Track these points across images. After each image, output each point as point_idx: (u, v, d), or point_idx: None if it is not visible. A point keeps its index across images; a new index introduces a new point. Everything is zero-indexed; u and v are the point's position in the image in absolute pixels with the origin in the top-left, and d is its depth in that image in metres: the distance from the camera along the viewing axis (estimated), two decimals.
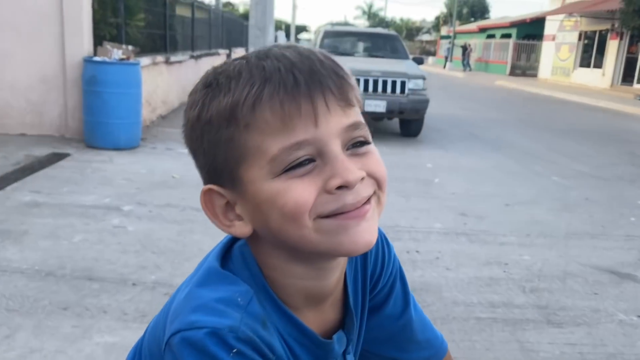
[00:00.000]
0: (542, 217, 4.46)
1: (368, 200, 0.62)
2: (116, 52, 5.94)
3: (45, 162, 5.13)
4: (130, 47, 6.35)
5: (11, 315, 2.46)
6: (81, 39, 6.04)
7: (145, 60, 6.89)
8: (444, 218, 4.28)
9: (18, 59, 6.07)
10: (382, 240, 0.81)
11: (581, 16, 23.52)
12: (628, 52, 21.36)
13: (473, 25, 41.75)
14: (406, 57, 8.92)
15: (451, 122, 9.93)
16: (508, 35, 32.66)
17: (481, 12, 54.34)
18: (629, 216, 4.63)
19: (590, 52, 23.74)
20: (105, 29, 6.46)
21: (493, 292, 3.02)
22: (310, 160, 0.58)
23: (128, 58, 6.05)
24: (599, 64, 22.81)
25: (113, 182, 4.68)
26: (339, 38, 9.75)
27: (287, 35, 45.53)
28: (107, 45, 6.07)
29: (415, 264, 3.34)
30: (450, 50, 35.64)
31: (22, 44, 6.03)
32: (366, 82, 7.56)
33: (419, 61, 8.96)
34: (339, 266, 0.69)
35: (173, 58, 8.72)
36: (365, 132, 0.63)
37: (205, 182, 0.64)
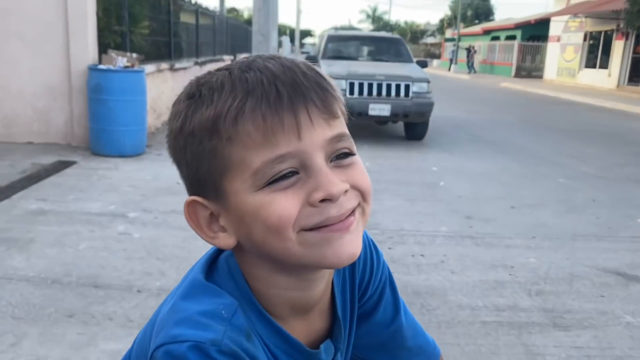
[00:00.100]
0: (548, 219, 4.44)
1: (352, 213, 0.61)
2: (121, 60, 5.97)
3: (52, 170, 5.16)
4: (134, 55, 6.39)
5: (17, 322, 2.47)
6: (86, 47, 6.08)
7: (149, 68, 6.93)
8: (450, 221, 4.27)
9: (24, 67, 6.12)
10: (371, 247, 0.81)
11: (586, 17, 23.45)
12: (634, 52, 21.26)
13: (477, 28, 41.73)
14: (410, 61, 8.92)
15: (456, 125, 9.91)
16: (513, 37, 32.61)
17: (485, 14, 54.29)
18: (636, 217, 4.60)
19: (596, 52, 23.65)
20: (109, 37, 6.50)
21: (499, 295, 3.00)
22: (294, 172, 0.58)
23: (133, 65, 6.08)
24: (604, 65, 22.71)
25: (118, 189, 4.70)
26: (343, 42, 9.76)
27: (292, 40, 45.67)
28: (112, 53, 6.11)
29: (420, 267, 3.33)
30: (455, 53, 35.61)
31: (28, 52, 6.09)
32: (370, 86, 7.56)
33: (423, 64, 8.95)
34: (325, 276, 0.69)
35: (178, 65, 8.76)
36: (350, 144, 0.63)
37: (189, 192, 0.65)
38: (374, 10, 69.54)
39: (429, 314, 2.74)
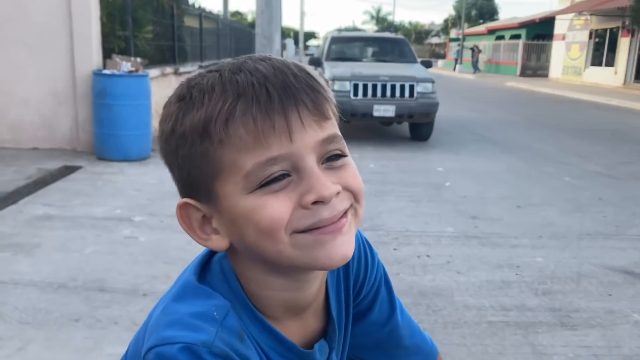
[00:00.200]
0: (555, 219, 4.41)
1: (345, 214, 0.61)
2: (125, 65, 6.00)
3: (57, 175, 5.18)
4: (139, 59, 6.41)
5: (24, 327, 2.48)
6: (90, 52, 6.12)
7: (154, 72, 6.96)
8: (455, 222, 4.25)
9: (29, 73, 6.16)
10: (365, 246, 0.80)
11: (591, 14, 23.34)
12: None
13: (482, 27, 41.61)
14: (414, 61, 8.90)
15: (462, 125, 9.89)
16: (517, 36, 32.50)
17: (490, 13, 54.17)
18: None
19: (602, 50, 23.53)
20: (114, 42, 6.53)
21: (505, 295, 2.99)
22: (286, 175, 0.58)
23: (137, 70, 6.11)
24: (610, 62, 22.59)
25: (124, 193, 4.72)
26: (347, 44, 9.76)
27: (296, 43, 45.75)
28: (116, 58, 6.13)
29: (426, 268, 3.32)
30: (459, 53, 35.54)
31: (33, 59, 6.12)
32: (374, 86, 7.55)
33: (428, 64, 8.93)
34: (318, 277, 0.69)
35: (182, 69, 8.79)
36: (341, 145, 0.62)
37: (182, 195, 0.64)
38: (378, 11, 69.49)
39: (435, 315, 2.73)
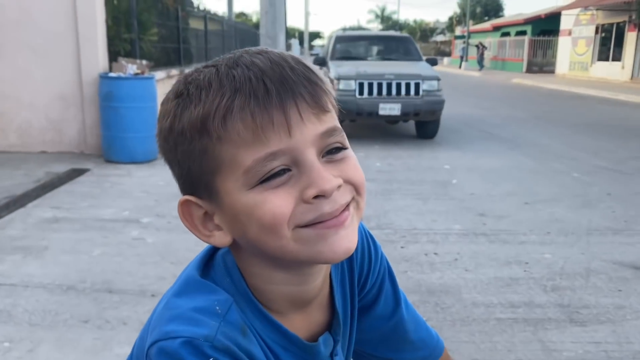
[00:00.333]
0: (563, 215, 4.39)
1: (347, 207, 0.61)
2: (131, 67, 6.02)
3: (65, 178, 5.22)
4: (144, 62, 6.44)
5: (34, 329, 2.50)
6: (96, 55, 6.15)
7: (160, 74, 6.98)
8: (463, 219, 4.24)
9: (36, 78, 6.20)
10: (368, 239, 0.80)
11: (597, 9, 23.19)
12: None
13: (487, 24, 41.48)
14: (419, 59, 8.88)
15: (468, 122, 9.86)
16: (523, 33, 32.35)
17: (495, 10, 53.99)
18: None
19: (608, 45, 23.37)
20: (119, 45, 6.57)
21: (513, 292, 2.98)
22: (286, 170, 0.58)
23: (143, 72, 6.14)
24: (617, 57, 22.44)
25: (131, 195, 4.74)
26: (351, 42, 9.75)
27: (301, 43, 45.79)
28: (122, 61, 6.16)
29: (434, 266, 3.31)
30: (465, 50, 35.43)
31: (39, 63, 6.16)
32: (380, 85, 7.54)
33: (433, 62, 8.91)
34: (322, 271, 0.69)
35: (187, 70, 8.81)
36: (341, 138, 0.61)
37: (182, 192, 0.64)
38: (383, 10, 69.51)
39: (443, 312, 2.72)
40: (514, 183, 5.47)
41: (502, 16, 49.17)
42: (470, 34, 37.88)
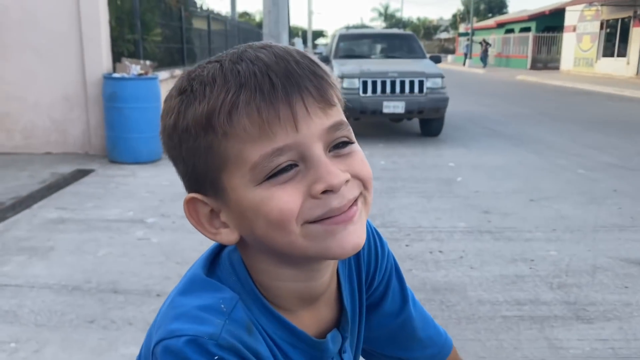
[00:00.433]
0: (569, 212, 4.37)
1: (355, 202, 0.60)
2: (134, 68, 6.03)
3: (70, 179, 5.23)
4: (148, 62, 6.45)
5: (40, 329, 2.50)
6: (100, 56, 6.16)
7: (163, 74, 6.99)
8: (468, 217, 4.23)
9: (41, 79, 6.22)
10: (375, 236, 0.79)
11: (602, 5, 23.07)
12: None
13: (491, 21, 41.33)
14: (423, 56, 8.86)
15: (472, 120, 9.83)
16: (527, 29, 32.22)
17: (499, 7, 53.82)
18: None
19: (613, 40, 23.25)
20: (123, 46, 6.58)
21: (519, 289, 2.96)
22: (293, 165, 0.57)
23: (146, 73, 6.14)
24: (622, 53, 22.31)
25: (136, 195, 4.75)
26: (354, 41, 9.73)
27: (304, 42, 45.78)
28: (126, 62, 6.17)
29: (439, 264, 3.30)
30: (469, 48, 35.33)
31: (43, 64, 6.18)
32: (383, 83, 7.52)
33: (437, 60, 8.88)
34: (329, 266, 0.68)
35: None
36: (348, 132, 0.61)
37: (188, 190, 0.63)
38: (386, 8, 69.26)
39: (448, 310, 2.71)
40: (519, 180, 5.45)
41: (506, 13, 49.00)
42: (474, 31, 37.77)
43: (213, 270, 0.67)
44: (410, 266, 3.22)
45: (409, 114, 7.67)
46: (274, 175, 0.57)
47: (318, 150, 0.57)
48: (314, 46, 50.92)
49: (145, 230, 3.84)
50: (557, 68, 27.88)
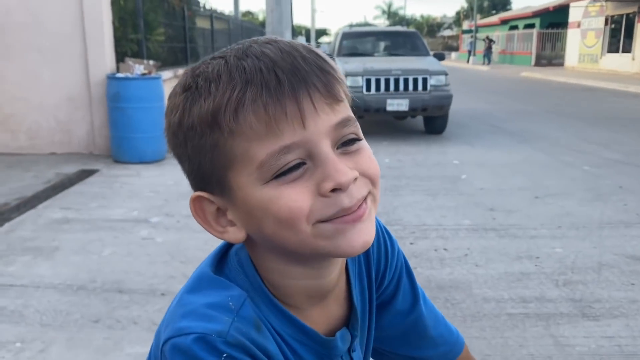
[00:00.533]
0: (574, 208, 4.35)
1: (364, 200, 0.59)
2: (138, 68, 6.04)
3: (75, 179, 5.24)
4: (151, 62, 6.46)
5: (45, 329, 2.51)
6: (103, 56, 6.17)
7: (167, 74, 7.00)
8: (472, 214, 4.22)
9: (44, 79, 6.24)
10: (385, 234, 0.79)
11: (606, 0, 22.97)
12: None
13: (495, 18, 41.23)
14: (427, 54, 8.83)
15: (477, 117, 9.80)
16: (531, 26, 32.11)
17: (502, 3, 53.66)
18: None
19: (618, 36, 23.14)
20: (126, 46, 6.59)
21: (524, 287, 2.95)
22: (301, 163, 0.56)
23: (150, 73, 6.15)
24: (627, 49, 22.21)
25: (141, 195, 4.75)
26: (358, 39, 9.71)
27: (308, 40, 45.73)
28: (129, 61, 6.18)
29: (444, 261, 3.29)
30: (472, 45, 35.23)
31: (47, 65, 6.20)
32: (387, 81, 7.51)
33: (440, 57, 8.84)
34: (338, 263, 0.68)
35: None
36: (355, 128, 0.60)
37: (194, 188, 0.63)
38: (389, 5, 69.20)
39: (453, 308, 2.70)
40: (523, 177, 5.43)
41: (509, 9, 48.86)
42: (478, 28, 37.66)
43: (221, 268, 0.66)
44: (415, 264, 3.21)
45: (412, 111, 7.65)
46: (282, 174, 0.56)
47: (326, 147, 0.57)
48: (317, 45, 50.83)
49: (150, 230, 3.84)
50: (561, 64, 27.78)
